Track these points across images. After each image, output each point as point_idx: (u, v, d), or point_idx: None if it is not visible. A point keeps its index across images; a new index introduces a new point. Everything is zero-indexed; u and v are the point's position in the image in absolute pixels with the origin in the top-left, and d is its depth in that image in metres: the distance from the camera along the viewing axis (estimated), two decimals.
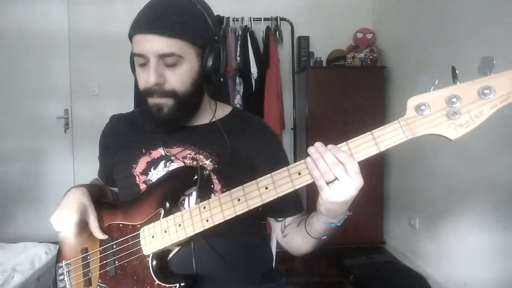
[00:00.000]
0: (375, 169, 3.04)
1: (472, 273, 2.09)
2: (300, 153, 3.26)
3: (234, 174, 0.89)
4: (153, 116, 0.89)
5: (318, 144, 0.68)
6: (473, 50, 2.01)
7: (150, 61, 0.83)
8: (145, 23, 0.83)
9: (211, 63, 0.88)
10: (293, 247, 0.95)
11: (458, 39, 2.18)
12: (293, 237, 0.93)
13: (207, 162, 0.91)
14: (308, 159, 0.68)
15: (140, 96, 0.90)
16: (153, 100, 0.87)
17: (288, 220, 0.97)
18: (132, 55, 0.88)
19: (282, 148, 1.03)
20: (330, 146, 0.68)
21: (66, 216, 0.86)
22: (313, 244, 0.86)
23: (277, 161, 0.95)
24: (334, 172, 0.65)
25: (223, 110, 1.00)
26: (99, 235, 0.88)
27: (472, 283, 2.09)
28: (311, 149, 0.68)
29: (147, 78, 0.84)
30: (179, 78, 0.86)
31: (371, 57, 3.07)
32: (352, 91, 3.05)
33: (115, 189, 1.09)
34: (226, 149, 0.92)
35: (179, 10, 0.84)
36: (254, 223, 0.99)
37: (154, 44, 0.81)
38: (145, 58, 0.83)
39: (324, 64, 3.25)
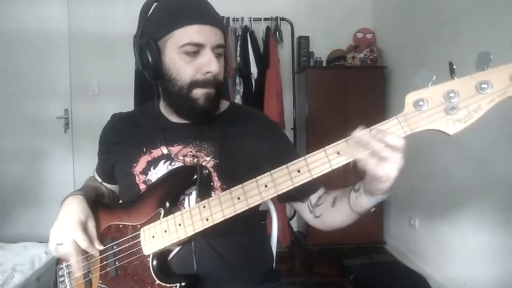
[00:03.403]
0: None
1: (472, 273, 2.09)
2: (300, 153, 3.23)
3: (235, 170, 0.90)
4: (196, 106, 0.89)
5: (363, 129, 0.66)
6: (473, 50, 2.00)
7: (205, 51, 0.85)
8: (200, 15, 0.86)
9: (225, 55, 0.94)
10: (329, 225, 0.93)
11: (458, 39, 2.17)
12: (331, 216, 0.90)
13: (208, 158, 0.91)
14: (353, 142, 0.66)
15: (174, 90, 0.89)
16: (203, 90, 0.88)
17: (313, 199, 0.95)
18: (149, 46, 0.86)
19: (286, 138, 1.03)
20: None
21: (66, 230, 0.85)
22: (358, 217, 0.84)
23: (283, 152, 0.94)
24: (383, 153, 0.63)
25: (221, 105, 1.00)
26: (97, 246, 0.88)
27: (472, 283, 2.09)
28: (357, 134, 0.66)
29: (208, 68, 0.86)
30: (221, 68, 0.91)
31: (371, 57, 3.07)
32: (352, 91, 3.05)
33: (111, 186, 1.10)
34: (226, 145, 0.92)
35: (210, 4, 0.91)
36: (255, 223, 1.00)
37: (213, 35, 0.86)
38: (199, 47, 0.85)
39: (324, 64, 3.25)
